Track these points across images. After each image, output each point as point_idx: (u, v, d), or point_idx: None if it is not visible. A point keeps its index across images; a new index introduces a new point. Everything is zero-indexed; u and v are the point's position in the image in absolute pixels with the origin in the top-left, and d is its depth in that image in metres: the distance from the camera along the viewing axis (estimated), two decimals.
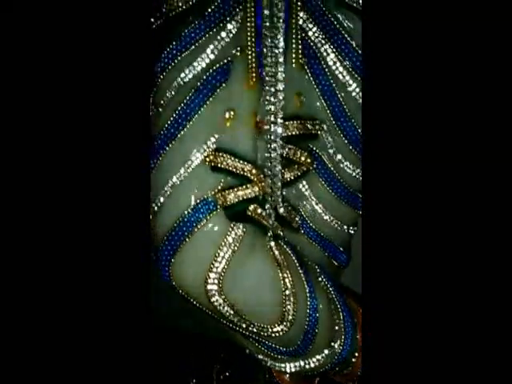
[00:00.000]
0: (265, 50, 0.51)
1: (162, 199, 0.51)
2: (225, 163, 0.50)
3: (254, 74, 0.51)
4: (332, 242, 0.61)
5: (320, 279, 0.57)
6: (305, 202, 0.58)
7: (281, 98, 0.51)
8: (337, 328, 0.57)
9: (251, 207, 0.52)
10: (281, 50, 0.51)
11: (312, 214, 0.59)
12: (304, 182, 0.57)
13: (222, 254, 0.50)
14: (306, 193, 0.58)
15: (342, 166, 0.57)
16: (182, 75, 0.51)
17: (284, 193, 0.55)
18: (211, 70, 0.51)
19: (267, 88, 0.51)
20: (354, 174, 0.58)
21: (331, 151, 0.57)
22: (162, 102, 0.52)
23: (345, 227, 0.61)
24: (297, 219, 0.57)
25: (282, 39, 0.51)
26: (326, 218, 0.59)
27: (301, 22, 0.53)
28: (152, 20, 0.55)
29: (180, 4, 0.52)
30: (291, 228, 0.58)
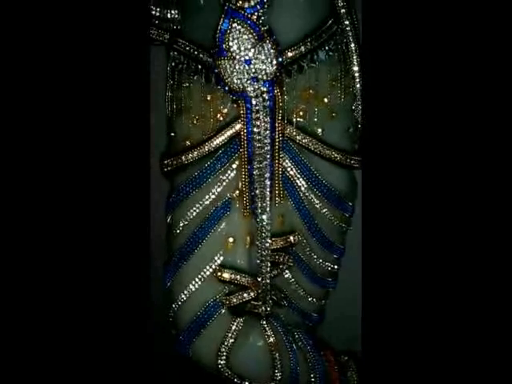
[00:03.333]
0: (256, 191, 0.69)
1: (180, 301, 0.70)
2: (228, 276, 0.70)
3: (247, 208, 0.70)
4: (308, 310, 0.81)
5: (300, 343, 0.78)
6: (289, 287, 0.78)
7: (268, 223, 0.70)
8: (312, 380, 0.77)
9: (249, 305, 0.72)
10: (268, 190, 0.69)
11: (294, 294, 0.78)
12: (288, 274, 0.76)
13: (228, 338, 0.70)
14: (290, 281, 0.77)
15: (315, 261, 0.76)
16: (194, 209, 0.70)
17: (274, 281, 0.75)
18: (216, 205, 0.70)
19: (258, 219, 0.69)
20: (324, 266, 0.77)
21: (307, 251, 0.76)
22: (176, 230, 0.71)
23: (316, 300, 0.81)
24: (284, 302, 0.77)
25: (268, 183, 0.68)
26: (304, 296, 0.79)
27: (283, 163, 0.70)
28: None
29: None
30: (279, 305, 0.77)
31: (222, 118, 0.69)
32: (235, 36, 0.62)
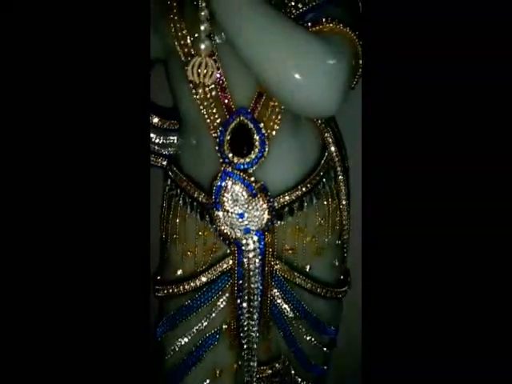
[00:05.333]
0: (245, 323, 0.72)
1: None
2: None
3: (235, 340, 0.73)
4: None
5: None
6: None
7: (255, 354, 0.73)
8: None
9: None
10: (256, 322, 0.72)
11: None
12: None
13: None
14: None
15: (299, 380, 0.80)
16: (183, 337, 0.73)
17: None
18: (205, 335, 0.72)
19: (246, 350, 0.72)
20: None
21: (292, 372, 0.79)
22: (167, 355, 0.74)
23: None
24: None
25: (256, 316, 0.72)
26: None
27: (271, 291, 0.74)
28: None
29: None
30: None
31: (214, 252, 0.72)
32: (230, 193, 0.65)
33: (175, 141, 0.79)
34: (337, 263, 0.77)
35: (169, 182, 0.76)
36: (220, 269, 0.71)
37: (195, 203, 0.71)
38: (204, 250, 0.72)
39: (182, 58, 0.66)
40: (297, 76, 0.57)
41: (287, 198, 0.69)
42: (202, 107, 0.67)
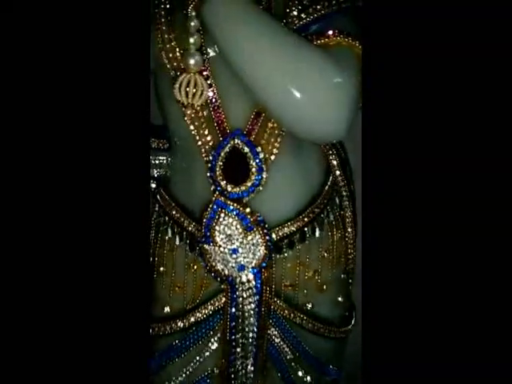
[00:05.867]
0: (239, 367, 0.64)
1: None
2: None
3: None
4: None
5: None
6: None
7: None
8: None
9: None
10: (251, 367, 0.65)
11: None
12: None
13: None
14: None
15: None
16: (175, 377, 0.65)
17: None
18: (197, 377, 0.65)
19: None
20: None
21: None
22: None
23: None
24: None
25: (251, 361, 0.64)
26: None
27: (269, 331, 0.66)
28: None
29: None
30: None
31: (205, 288, 0.65)
32: (222, 226, 0.58)
33: (165, 161, 0.71)
34: (341, 299, 0.70)
35: (157, 208, 0.69)
36: (211, 307, 0.64)
37: (185, 233, 0.64)
38: (194, 285, 0.65)
39: (171, 73, 0.58)
40: (300, 96, 0.50)
41: (287, 229, 0.62)
42: (192, 127, 0.59)
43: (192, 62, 0.53)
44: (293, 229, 0.62)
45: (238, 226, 0.58)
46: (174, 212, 0.65)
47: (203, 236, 0.59)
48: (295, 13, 0.56)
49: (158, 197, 0.68)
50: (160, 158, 0.71)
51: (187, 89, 0.54)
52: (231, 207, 0.57)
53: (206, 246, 0.59)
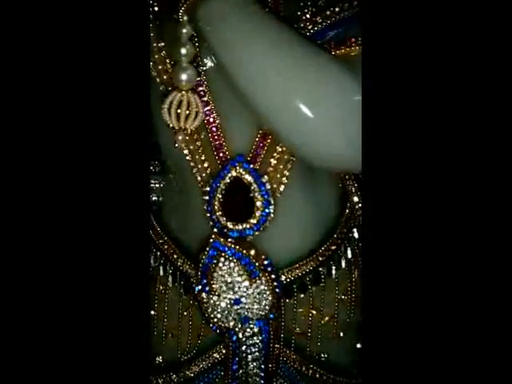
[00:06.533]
0: None
1: None
2: None
3: None
4: None
5: None
6: None
7: None
8: None
9: None
10: None
11: None
12: None
13: None
14: None
15: None
16: None
17: None
18: None
19: None
20: None
21: None
22: None
23: None
24: None
25: None
26: None
27: None
28: None
29: None
30: None
31: (203, 337, 0.55)
32: (222, 273, 0.49)
33: (157, 185, 0.62)
34: (359, 345, 0.60)
35: None
36: (210, 359, 0.55)
37: (178, 273, 0.55)
38: (189, 333, 0.56)
39: (161, 87, 0.49)
40: (315, 117, 0.41)
41: (298, 270, 0.53)
42: (186, 152, 0.50)
43: (184, 77, 0.44)
44: (306, 269, 0.53)
45: (241, 272, 0.48)
46: (166, 247, 0.56)
47: (199, 283, 0.49)
48: (308, 16, 0.47)
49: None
50: (151, 181, 0.63)
51: (178, 110, 0.44)
52: (232, 250, 0.48)
53: (202, 294, 0.50)
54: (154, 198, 0.63)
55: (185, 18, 0.43)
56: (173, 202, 0.57)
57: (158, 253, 0.57)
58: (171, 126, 0.45)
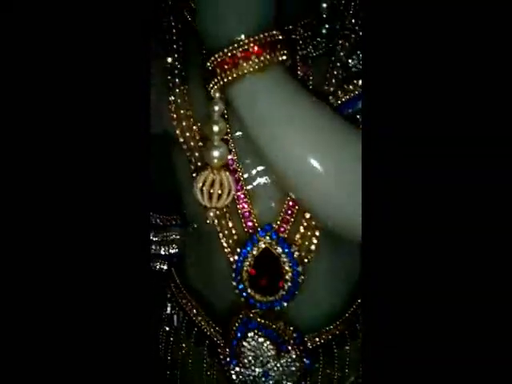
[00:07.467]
0: None
1: None
2: None
3: None
4: None
5: None
6: None
7: None
8: None
9: None
10: None
11: None
12: None
13: None
14: None
15: None
16: None
17: None
18: None
19: None
20: None
21: None
22: None
23: None
24: None
25: None
26: None
27: None
28: None
29: None
30: None
31: None
32: (250, 346, 0.48)
33: (178, 236, 0.61)
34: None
35: (168, 296, 0.59)
36: None
37: (202, 335, 0.54)
38: None
39: (187, 154, 0.48)
40: (345, 194, 0.40)
41: (325, 336, 0.52)
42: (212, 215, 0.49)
43: (216, 154, 0.43)
44: (332, 334, 0.52)
45: (271, 347, 0.48)
46: (189, 307, 0.55)
47: (227, 355, 0.49)
48: (331, 89, 0.46)
49: (171, 283, 0.58)
50: (172, 234, 0.62)
51: (211, 190, 0.43)
52: (261, 325, 0.47)
53: (230, 366, 0.49)
54: (174, 250, 0.62)
55: (217, 95, 0.42)
56: (195, 254, 0.56)
57: (181, 313, 0.56)
58: (203, 204, 0.44)
